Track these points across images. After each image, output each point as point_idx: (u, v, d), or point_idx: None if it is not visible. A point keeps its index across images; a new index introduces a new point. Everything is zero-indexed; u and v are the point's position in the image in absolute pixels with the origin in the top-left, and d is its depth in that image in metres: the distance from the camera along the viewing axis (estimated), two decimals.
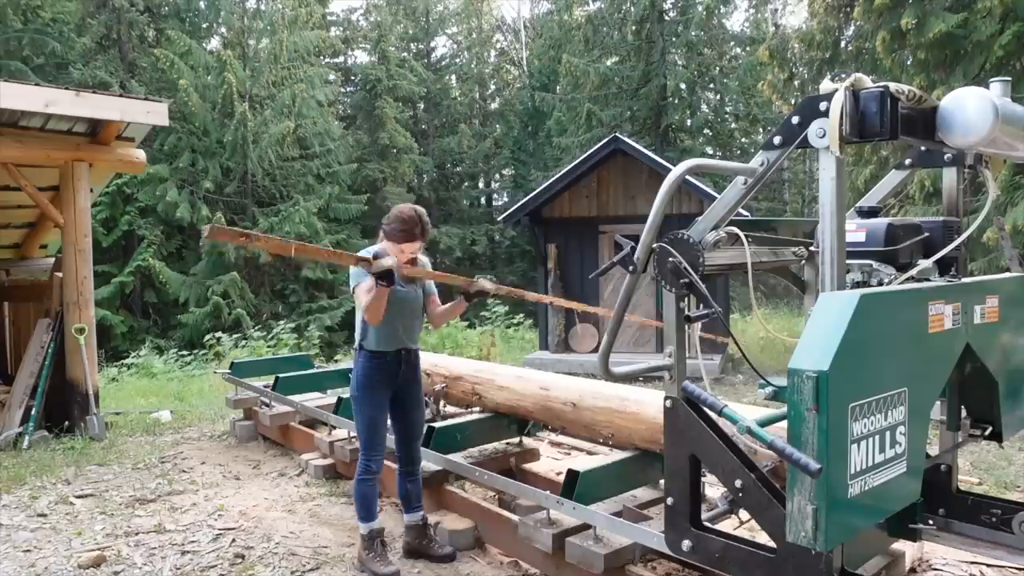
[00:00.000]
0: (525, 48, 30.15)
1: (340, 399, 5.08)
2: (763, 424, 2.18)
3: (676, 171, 2.44)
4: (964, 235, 2.72)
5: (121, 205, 18.84)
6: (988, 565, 3.31)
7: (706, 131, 22.32)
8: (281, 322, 15.08)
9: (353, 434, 4.80)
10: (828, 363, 1.84)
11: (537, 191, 11.05)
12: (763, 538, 2.38)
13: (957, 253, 2.77)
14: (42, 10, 18.65)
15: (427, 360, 5.06)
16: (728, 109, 23.14)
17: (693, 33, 20.94)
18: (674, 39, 20.98)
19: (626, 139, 10.79)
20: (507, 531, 3.59)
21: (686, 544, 2.50)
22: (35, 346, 6.76)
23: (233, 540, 3.98)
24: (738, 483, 2.30)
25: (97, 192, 8.84)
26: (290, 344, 13.49)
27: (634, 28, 21.01)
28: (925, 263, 2.58)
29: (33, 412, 6.42)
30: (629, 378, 2.76)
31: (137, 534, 4.13)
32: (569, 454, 5.32)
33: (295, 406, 5.62)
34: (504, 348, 12.69)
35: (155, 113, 6.54)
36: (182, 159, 18.91)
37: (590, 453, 5.15)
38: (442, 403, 5.05)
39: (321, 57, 24.59)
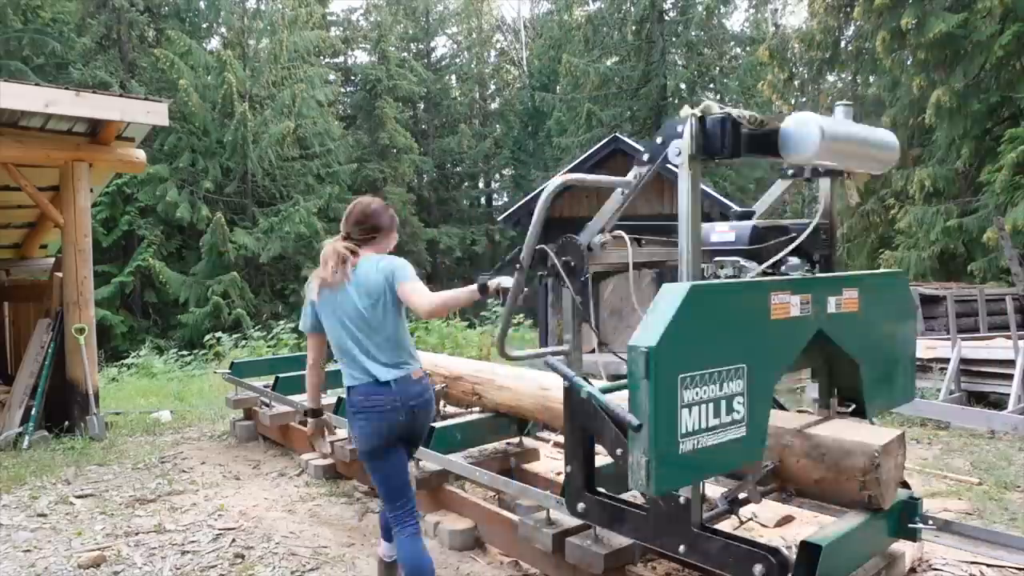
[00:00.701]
0: (525, 48, 30.16)
1: (340, 399, 5.07)
2: (606, 391, 2.47)
3: (551, 185, 2.87)
4: (800, 238, 2.96)
5: (121, 205, 18.85)
6: (988, 565, 3.31)
7: None
8: (281, 322, 15.07)
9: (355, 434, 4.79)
10: (656, 341, 2.14)
11: (537, 191, 11.05)
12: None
13: (828, 251, 3.21)
14: (42, 10, 18.66)
15: (427, 360, 5.06)
16: None
17: (693, 33, 20.95)
18: (674, 39, 21.00)
19: (626, 139, 10.80)
20: (507, 531, 3.59)
21: (580, 506, 2.84)
22: (35, 346, 6.76)
23: (233, 540, 3.98)
24: (618, 451, 2.45)
25: (97, 192, 8.84)
26: (290, 344, 13.48)
27: (634, 28, 21.02)
28: (793, 261, 3.00)
29: (33, 412, 6.41)
30: (526, 360, 3.13)
31: (137, 534, 4.13)
32: None
33: (295, 406, 5.61)
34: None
35: (155, 113, 6.54)
36: (182, 159, 18.93)
37: None
38: (442, 403, 5.06)
39: (321, 57, 24.61)
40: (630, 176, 2.74)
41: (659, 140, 2.55)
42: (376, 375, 2.91)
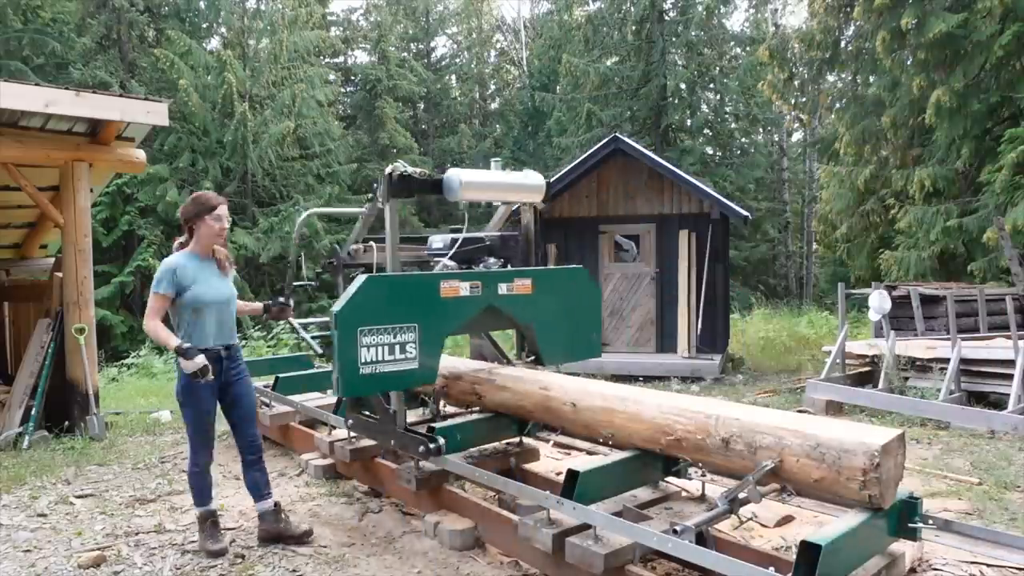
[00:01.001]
0: (525, 48, 30.15)
1: (340, 399, 5.07)
2: (315, 337, 4.63)
3: (301, 216, 5.16)
4: (455, 247, 4.50)
5: (121, 205, 18.83)
6: (988, 565, 3.31)
7: (706, 131, 22.33)
8: (281, 322, 15.05)
9: (354, 435, 4.81)
10: (341, 307, 3.57)
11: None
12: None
13: (525, 255, 4.78)
14: (42, 10, 18.65)
15: None
16: (728, 109, 23.13)
17: (693, 33, 20.93)
18: (674, 39, 20.98)
19: (626, 139, 10.77)
20: (507, 531, 3.59)
21: (349, 421, 4.43)
22: (35, 346, 6.76)
23: (233, 540, 3.98)
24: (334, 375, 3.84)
25: (97, 192, 8.84)
26: (290, 344, 13.48)
27: (634, 28, 21.00)
28: (490, 260, 4.57)
29: (33, 412, 6.42)
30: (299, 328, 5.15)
31: (137, 534, 4.13)
32: (569, 454, 5.32)
33: (295, 406, 5.61)
34: (504, 348, 12.67)
35: (155, 113, 6.54)
36: (182, 159, 18.91)
37: (590, 453, 5.15)
38: (442, 403, 5.05)
39: (321, 57, 24.59)
40: (364, 208, 4.61)
41: (376, 185, 4.14)
42: None
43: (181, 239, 3.94)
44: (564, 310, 4.35)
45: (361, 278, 3.70)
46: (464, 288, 3.96)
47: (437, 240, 4.68)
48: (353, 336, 3.56)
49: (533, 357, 4.57)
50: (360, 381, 3.63)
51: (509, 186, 4.50)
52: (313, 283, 4.70)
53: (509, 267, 4.53)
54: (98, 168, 6.95)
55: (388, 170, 4.01)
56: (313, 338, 4.91)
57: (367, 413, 4.34)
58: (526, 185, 4.53)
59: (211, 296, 3.76)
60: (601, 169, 10.49)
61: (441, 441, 3.93)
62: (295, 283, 5.12)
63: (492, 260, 4.57)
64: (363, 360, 3.58)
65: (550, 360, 4.41)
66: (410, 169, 4.05)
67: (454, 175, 4.09)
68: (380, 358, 3.63)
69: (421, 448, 3.90)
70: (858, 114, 14.24)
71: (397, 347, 3.69)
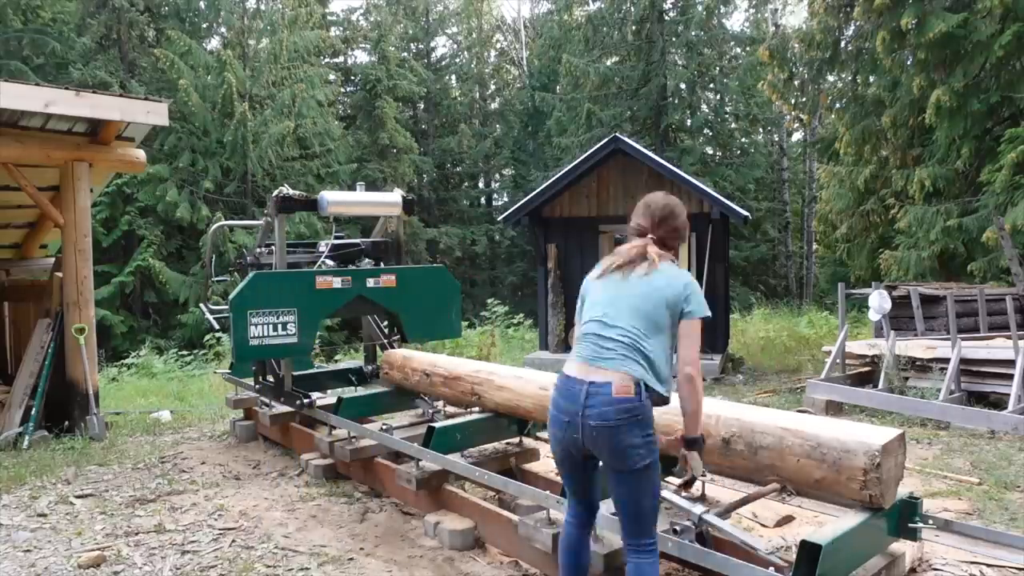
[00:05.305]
0: (525, 48, 30.13)
1: (340, 399, 5.07)
2: (221, 320, 5.72)
3: (212, 227, 7.29)
4: (323, 251, 5.73)
5: (121, 205, 18.82)
6: (988, 565, 3.31)
7: (706, 131, 22.32)
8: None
9: (354, 434, 4.80)
10: (234, 296, 4.66)
11: (537, 191, 11.00)
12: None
13: (397, 256, 5.77)
14: (42, 10, 18.65)
15: (426, 360, 5.06)
16: (728, 109, 23.12)
17: (693, 33, 20.92)
18: (674, 39, 20.97)
19: (626, 139, 10.76)
20: (507, 531, 3.59)
21: (281, 399, 5.46)
22: (35, 346, 6.75)
23: (233, 540, 3.98)
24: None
25: (97, 192, 8.83)
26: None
27: (634, 28, 20.99)
28: (366, 261, 5.80)
29: (33, 412, 6.41)
30: (210, 316, 5.92)
31: (137, 534, 4.13)
32: None
33: (294, 406, 5.61)
34: (504, 348, 12.67)
35: (155, 113, 6.54)
36: (182, 159, 18.89)
37: None
38: (442, 403, 5.05)
39: (321, 57, 24.57)
40: (262, 221, 5.75)
41: (269, 203, 5.23)
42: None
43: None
44: (425, 299, 5.35)
45: (251, 274, 4.90)
46: (337, 282, 5.03)
47: (322, 245, 5.74)
48: (244, 317, 4.69)
49: (399, 336, 5.55)
50: (250, 350, 4.78)
51: (368, 203, 5.67)
52: (227, 279, 5.78)
53: (382, 265, 5.58)
54: (98, 168, 6.95)
55: (275, 192, 5.11)
56: (215, 319, 5.87)
57: (298, 391, 5.33)
58: (383, 202, 5.60)
59: None
60: (601, 169, 10.48)
61: (313, 396, 5.14)
62: (214, 278, 6.44)
63: (367, 260, 5.67)
64: (252, 335, 4.73)
65: (413, 338, 5.46)
66: (291, 192, 5.22)
67: (323, 196, 5.18)
68: (266, 334, 4.78)
69: (298, 402, 5.18)
70: (858, 114, 14.22)
71: (280, 326, 4.81)
